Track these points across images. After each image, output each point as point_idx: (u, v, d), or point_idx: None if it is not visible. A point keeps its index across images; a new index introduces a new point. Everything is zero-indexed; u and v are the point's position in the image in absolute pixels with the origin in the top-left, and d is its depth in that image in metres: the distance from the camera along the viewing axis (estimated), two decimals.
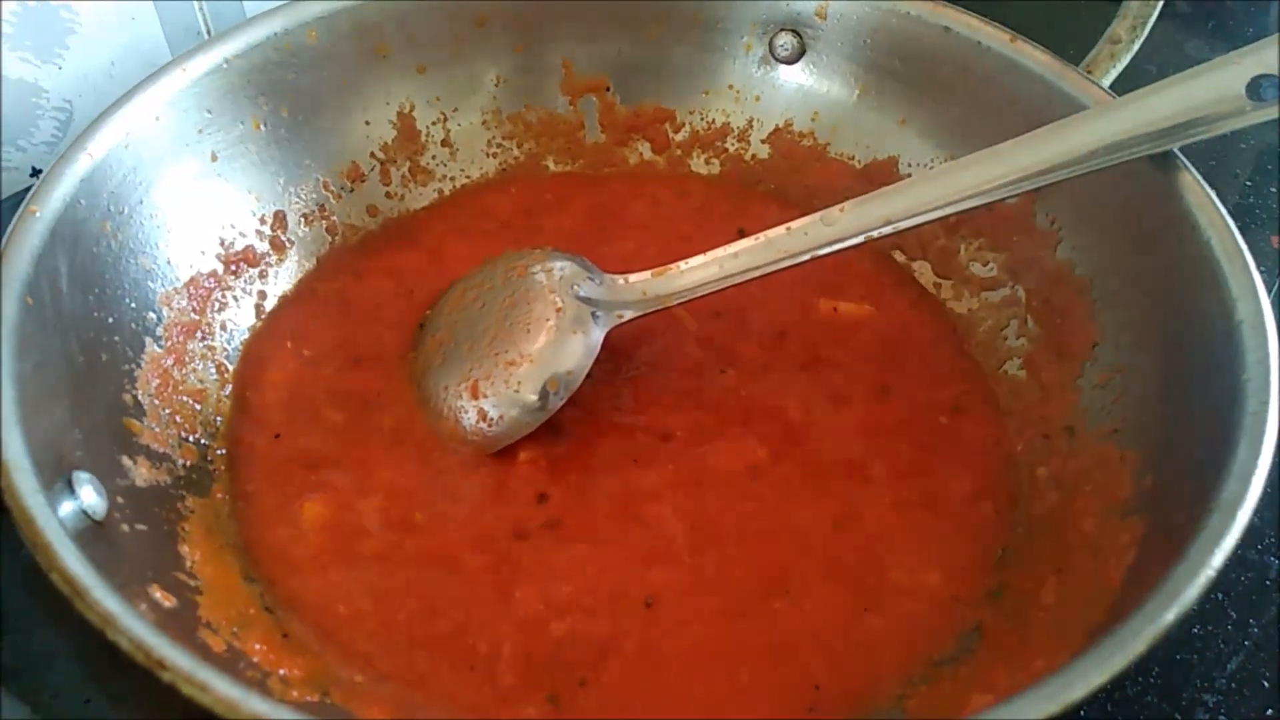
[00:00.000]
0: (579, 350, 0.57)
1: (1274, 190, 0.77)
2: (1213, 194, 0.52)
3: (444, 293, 0.63)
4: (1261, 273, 0.63)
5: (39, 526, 0.40)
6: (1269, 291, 0.67)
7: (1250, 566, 0.56)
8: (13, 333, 0.46)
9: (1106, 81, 0.63)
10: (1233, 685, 0.52)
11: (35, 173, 0.76)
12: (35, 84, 0.73)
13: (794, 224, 0.56)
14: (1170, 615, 0.39)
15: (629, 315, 0.58)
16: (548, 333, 0.57)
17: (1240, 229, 0.52)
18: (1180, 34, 0.90)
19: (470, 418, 0.56)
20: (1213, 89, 0.49)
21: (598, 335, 0.57)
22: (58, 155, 0.54)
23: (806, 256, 0.56)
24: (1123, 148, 0.51)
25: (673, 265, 0.58)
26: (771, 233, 0.57)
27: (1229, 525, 0.41)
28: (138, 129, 0.57)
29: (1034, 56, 0.61)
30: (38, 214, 0.50)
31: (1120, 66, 0.63)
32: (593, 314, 0.58)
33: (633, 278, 0.59)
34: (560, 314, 0.57)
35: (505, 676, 0.49)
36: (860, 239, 0.55)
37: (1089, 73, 0.61)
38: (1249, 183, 0.78)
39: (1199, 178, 0.53)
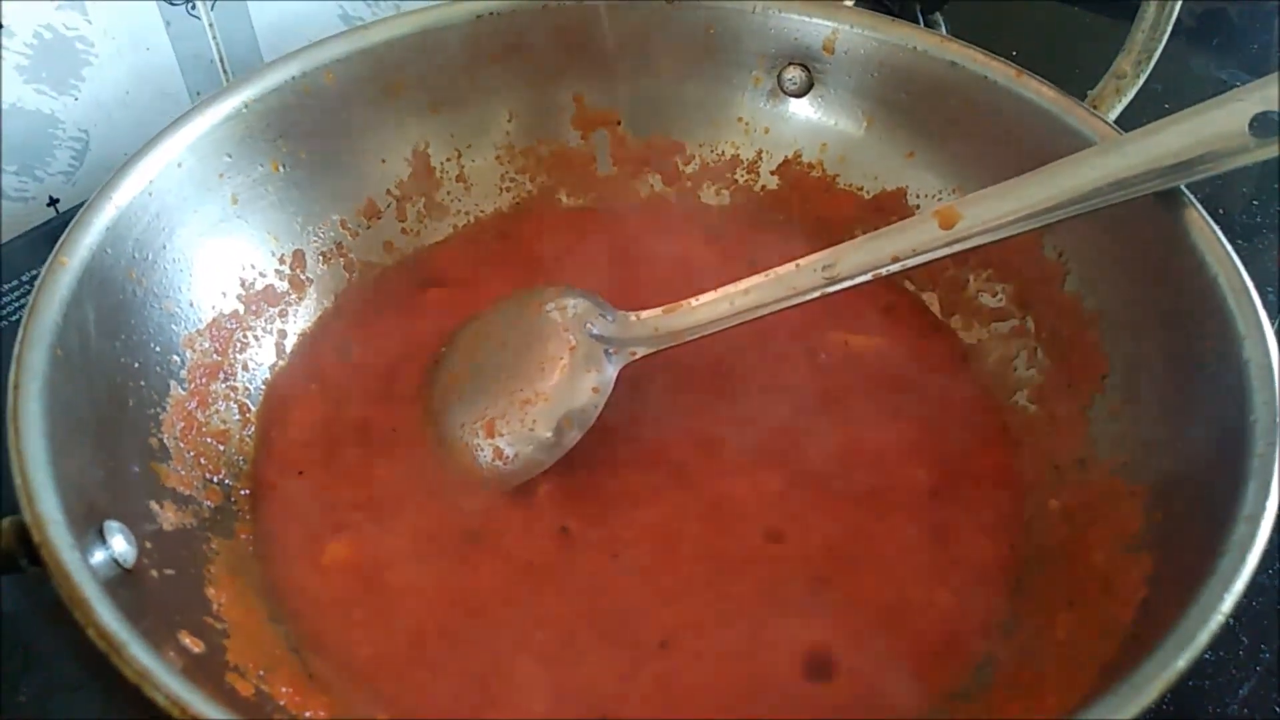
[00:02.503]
0: (592, 387, 0.57)
1: (1277, 209, 0.77)
2: (1219, 231, 0.53)
3: (458, 330, 0.63)
4: (1269, 292, 0.64)
5: (75, 582, 0.41)
6: (1276, 314, 0.67)
7: (1261, 591, 0.56)
8: (43, 386, 0.47)
9: (1112, 116, 0.63)
10: (1244, 711, 0.52)
11: (52, 202, 0.77)
12: (51, 115, 0.74)
13: (803, 261, 0.57)
14: (1182, 661, 0.39)
15: (642, 352, 0.59)
16: (561, 370, 0.58)
17: (1245, 248, 0.53)
18: (1185, 51, 0.90)
19: (486, 455, 0.57)
20: (1216, 126, 0.50)
21: (611, 372, 0.58)
22: (79, 191, 0.55)
23: (817, 293, 0.56)
24: (1128, 185, 0.52)
25: (684, 302, 0.59)
26: (782, 269, 0.57)
27: (1239, 569, 0.41)
28: (160, 176, 0.57)
29: (1040, 91, 0.61)
30: (67, 264, 0.51)
31: (1126, 101, 0.63)
32: (606, 351, 0.58)
33: (644, 315, 0.60)
34: (574, 352, 0.58)
35: (530, 713, 0.50)
36: (869, 276, 0.56)
37: (1095, 107, 0.62)
38: (1255, 202, 0.78)
39: (1205, 214, 0.53)
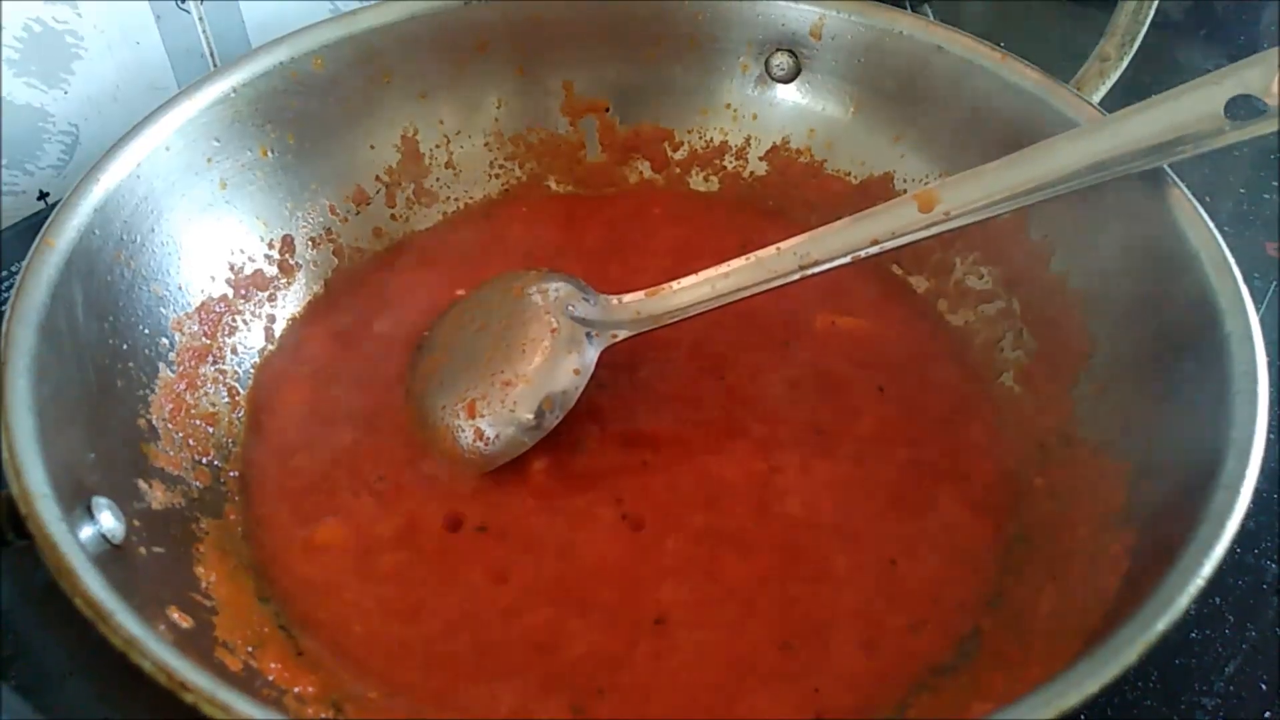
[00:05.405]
0: (573, 370, 0.58)
1: (1269, 197, 0.78)
2: (1201, 209, 0.53)
3: (442, 313, 0.64)
4: (1256, 279, 0.64)
5: (62, 553, 0.41)
6: (1266, 298, 0.68)
7: (1247, 570, 0.57)
8: (31, 363, 0.47)
9: (1096, 98, 0.64)
10: (1231, 689, 0.53)
11: (42, 196, 0.77)
12: (41, 108, 0.74)
13: (784, 244, 0.57)
14: (1161, 624, 0.40)
15: (623, 335, 0.59)
16: (543, 353, 0.58)
17: (1235, 236, 0.53)
18: (1171, 42, 0.91)
19: (467, 437, 0.57)
20: (1194, 109, 0.50)
21: (592, 355, 0.58)
22: (68, 184, 0.55)
23: (797, 276, 0.57)
24: (1110, 165, 0.52)
25: (666, 285, 0.59)
26: (762, 252, 0.58)
27: (1218, 536, 0.42)
28: (149, 159, 0.58)
29: (1024, 74, 0.62)
30: (54, 245, 0.52)
31: (1109, 83, 0.64)
32: (587, 334, 0.59)
33: (626, 298, 0.60)
34: (555, 334, 0.58)
35: (524, 689, 0.50)
36: (848, 259, 0.56)
37: (1079, 90, 0.62)
38: (1243, 189, 0.78)
39: (1187, 193, 0.54)
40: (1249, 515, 0.43)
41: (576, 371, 0.58)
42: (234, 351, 0.62)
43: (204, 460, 0.57)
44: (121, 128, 0.59)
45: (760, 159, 0.72)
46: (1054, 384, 0.59)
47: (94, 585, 0.41)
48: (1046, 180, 0.53)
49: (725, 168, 0.73)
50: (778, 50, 0.70)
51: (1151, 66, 0.67)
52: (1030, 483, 0.56)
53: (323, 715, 0.48)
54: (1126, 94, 0.64)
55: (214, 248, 0.62)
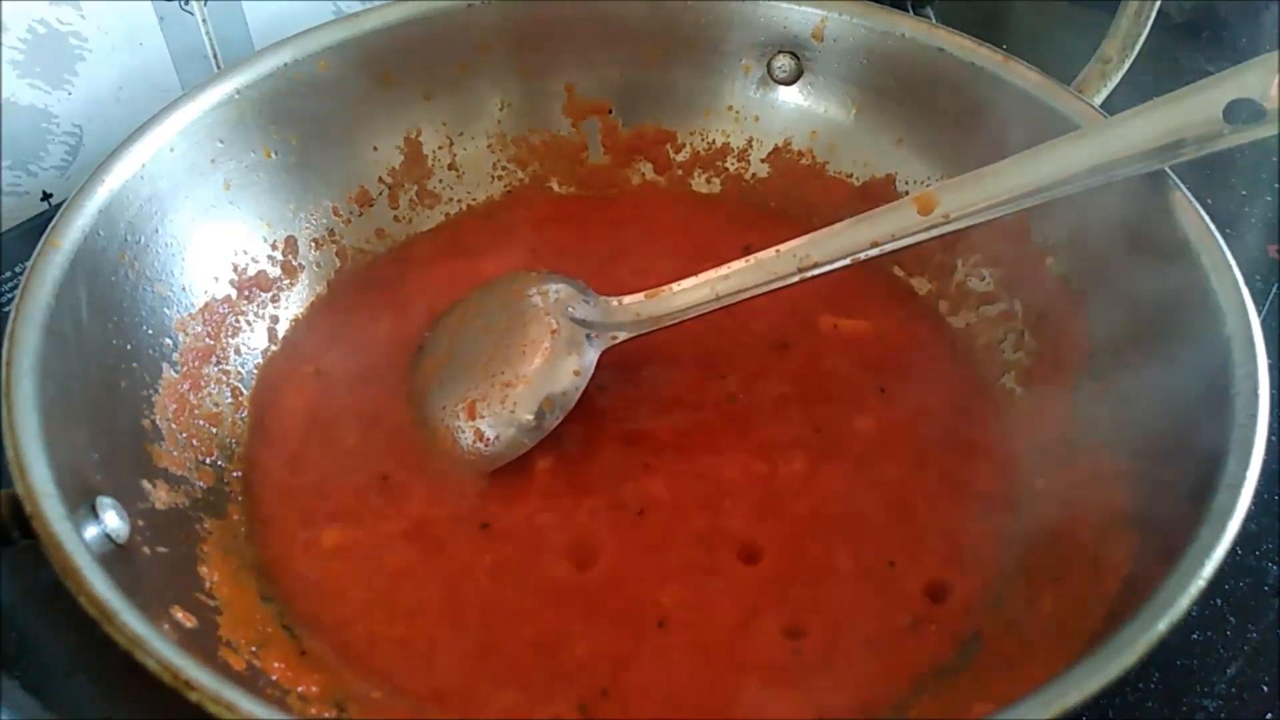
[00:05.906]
0: (573, 371, 0.58)
1: (1269, 199, 0.78)
2: (1202, 211, 0.54)
3: (443, 315, 0.64)
4: (1257, 281, 0.64)
5: (67, 552, 0.41)
6: (1267, 300, 0.68)
7: (1249, 572, 0.57)
8: (36, 363, 0.47)
9: (1098, 100, 0.64)
10: (1232, 690, 0.53)
11: (46, 197, 0.77)
12: (45, 109, 0.74)
13: (784, 246, 0.57)
14: (1163, 626, 0.40)
15: (623, 336, 0.59)
16: (543, 354, 0.58)
17: (1236, 238, 0.53)
18: (1174, 45, 0.91)
19: (467, 438, 0.58)
20: (1192, 112, 0.51)
21: (592, 356, 0.59)
22: (72, 185, 0.55)
23: (796, 278, 0.57)
24: (1111, 168, 0.52)
25: (665, 287, 0.59)
26: (762, 255, 0.58)
27: (1219, 537, 0.42)
28: (153, 160, 0.58)
29: (1026, 76, 0.62)
30: (59, 246, 0.52)
31: (1111, 85, 0.64)
32: (587, 335, 0.59)
33: (626, 300, 0.60)
34: (555, 336, 0.58)
35: (529, 689, 0.50)
36: (848, 261, 0.56)
37: (1080, 92, 0.63)
38: (1244, 192, 0.78)
39: (1189, 195, 0.54)
40: (1250, 517, 0.43)
41: (576, 373, 0.58)
42: (237, 352, 0.62)
43: (207, 460, 0.57)
44: (125, 129, 0.59)
45: (762, 161, 0.73)
46: (1055, 386, 0.59)
47: (99, 585, 0.41)
48: (1047, 183, 0.53)
49: (727, 169, 0.73)
50: (780, 52, 0.70)
51: (1153, 69, 0.67)
52: (1031, 484, 0.56)
53: (326, 715, 0.48)
54: (1128, 96, 0.64)
55: (218, 249, 0.62)
